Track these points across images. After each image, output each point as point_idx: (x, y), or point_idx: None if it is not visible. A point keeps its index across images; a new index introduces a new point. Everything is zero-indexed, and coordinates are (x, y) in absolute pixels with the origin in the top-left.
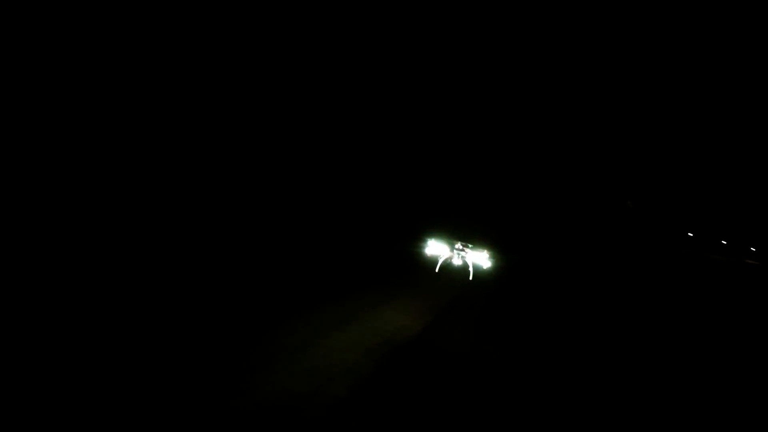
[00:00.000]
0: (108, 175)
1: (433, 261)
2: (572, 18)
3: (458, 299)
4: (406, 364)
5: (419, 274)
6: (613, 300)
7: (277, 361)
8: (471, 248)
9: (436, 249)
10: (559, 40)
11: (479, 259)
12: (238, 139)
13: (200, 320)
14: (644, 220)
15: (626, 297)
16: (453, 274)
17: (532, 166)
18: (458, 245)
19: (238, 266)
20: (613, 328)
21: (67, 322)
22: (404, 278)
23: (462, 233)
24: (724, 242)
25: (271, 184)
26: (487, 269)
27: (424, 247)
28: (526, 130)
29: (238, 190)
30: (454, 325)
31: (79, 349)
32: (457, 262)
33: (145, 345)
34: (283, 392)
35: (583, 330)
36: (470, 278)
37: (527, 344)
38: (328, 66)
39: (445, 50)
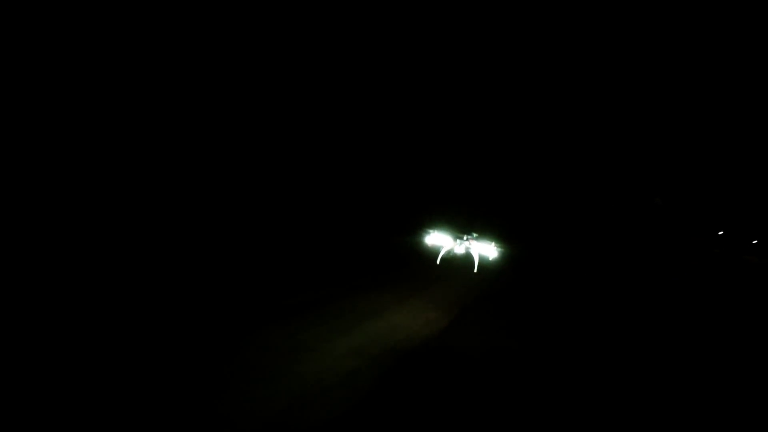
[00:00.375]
0: (103, 175)
1: (434, 252)
2: (604, 11)
3: (467, 296)
4: (424, 369)
5: (421, 267)
6: (637, 299)
7: (272, 367)
8: (476, 238)
9: (438, 239)
10: (587, 32)
11: (485, 250)
12: (229, 127)
13: (190, 321)
14: (673, 218)
15: (652, 296)
16: (456, 266)
17: (553, 158)
18: (464, 236)
19: (233, 262)
20: (636, 326)
21: (52, 324)
22: (405, 273)
23: (468, 223)
24: (755, 241)
25: (269, 175)
26: (493, 260)
27: (425, 238)
28: (547, 121)
29: (233, 181)
30: (469, 321)
31: (70, 351)
32: (459, 251)
33: (136, 347)
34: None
35: (606, 328)
36: (475, 270)
37: (552, 341)
38: (334, 54)
39: (465, 31)
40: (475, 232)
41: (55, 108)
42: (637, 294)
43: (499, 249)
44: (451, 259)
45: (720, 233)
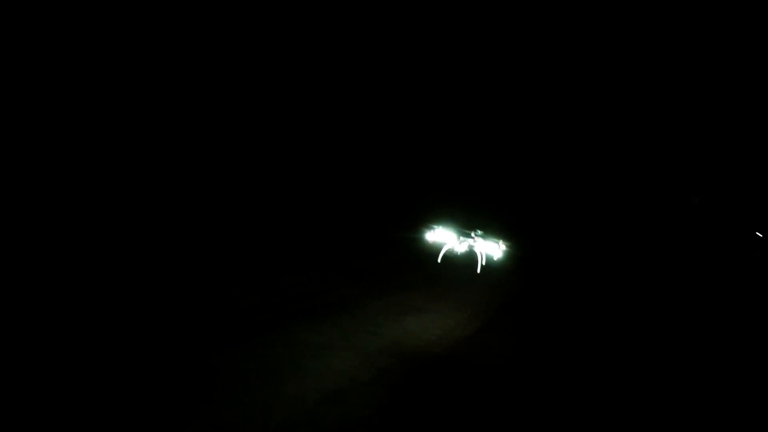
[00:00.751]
0: (100, 175)
1: (435, 249)
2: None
3: (478, 303)
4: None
5: (422, 267)
6: (673, 306)
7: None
8: (481, 236)
9: (441, 236)
10: (623, 23)
11: (490, 249)
12: (235, 126)
13: (218, 321)
14: (710, 219)
15: (688, 303)
16: (459, 266)
17: (580, 152)
18: (470, 233)
19: (224, 262)
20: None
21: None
22: (409, 273)
23: (474, 219)
24: None
25: (270, 172)
26: (498, 260)
27: (426, 234)
28: (575, 114)
29: (234, 175)
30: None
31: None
32: (460, 249)
33: (137, 350)
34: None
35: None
36: (478, 271)
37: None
38: (336, 50)
39: (489, 22)
40: (481, 229)
41: (51, 107)
42: (668, 302)
43: (508, 248)
44: (452, 258)
45: (760, 235)
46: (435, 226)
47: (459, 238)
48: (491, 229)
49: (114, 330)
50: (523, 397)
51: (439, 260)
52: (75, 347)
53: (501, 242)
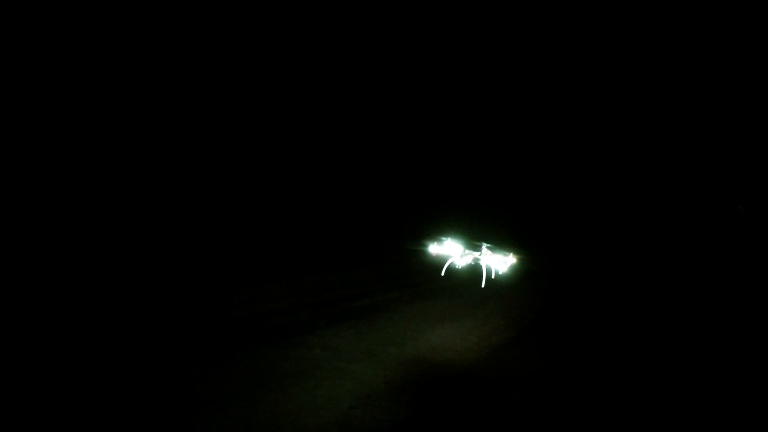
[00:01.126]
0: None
1: (439, 262)
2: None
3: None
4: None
5: (429, 280)
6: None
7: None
8: (490, 249)
9: (446, 249)
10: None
11: (499, 262)
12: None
13: (259, 320)
14: (758, 229)
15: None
16: (462, 279)
17: (617, 156)
18: (479, 244)
19: (251, 266)
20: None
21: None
22: (420, 286)
23: (485, 232)
24: None
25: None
26: (505, 274)
27: (431, 246)
28: (606, 114)
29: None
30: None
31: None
32: (464, 262)
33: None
34: None
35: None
36: (482, 285)
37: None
38: (340, 50)
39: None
40: (490, 241)
41: (51, 107)
42: (707, 316)
43: (519, 262)
44: (456, 271)
45: None
46: (442, 238)
47: (464, 251)
48: (502, 242)
49: (151, 332)
50: (553, 408)
51: (443, 273)
52: (109, 349)
53: (511, 255)
